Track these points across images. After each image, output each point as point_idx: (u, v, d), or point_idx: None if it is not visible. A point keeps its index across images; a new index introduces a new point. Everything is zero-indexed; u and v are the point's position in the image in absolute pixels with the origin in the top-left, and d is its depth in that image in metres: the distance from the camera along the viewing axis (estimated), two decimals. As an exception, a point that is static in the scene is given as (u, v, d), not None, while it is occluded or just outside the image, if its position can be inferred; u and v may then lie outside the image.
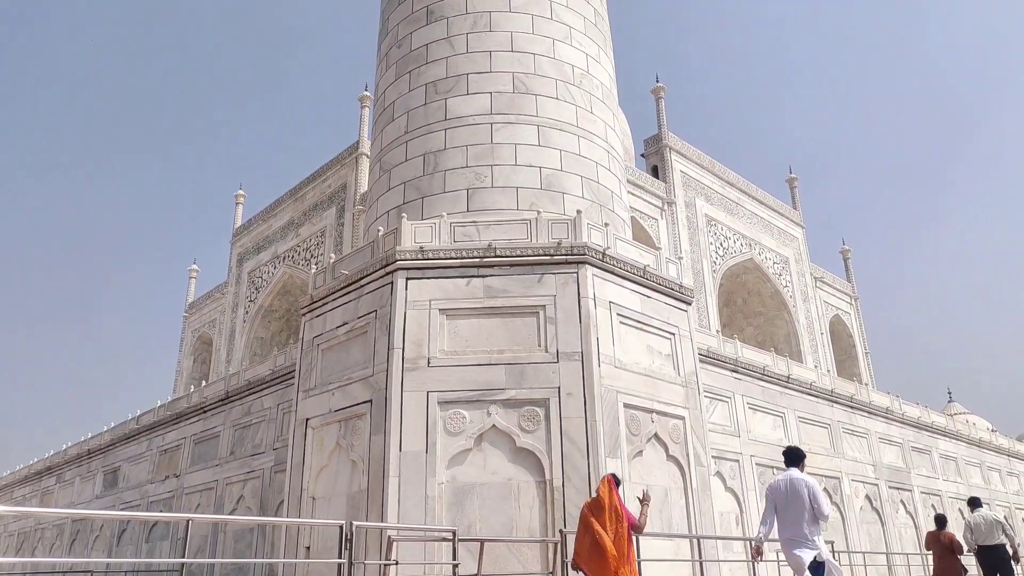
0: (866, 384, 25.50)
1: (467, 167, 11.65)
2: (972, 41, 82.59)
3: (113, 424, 22.57)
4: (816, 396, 16.97)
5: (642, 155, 27.29)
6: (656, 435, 10.28)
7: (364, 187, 22.66)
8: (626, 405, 9.89)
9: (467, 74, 12.27)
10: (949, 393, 41.65)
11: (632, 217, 21.29)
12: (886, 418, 19.37)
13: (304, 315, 12.12)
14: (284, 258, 26.48)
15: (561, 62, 12.60)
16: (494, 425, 9.38)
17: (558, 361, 9.64)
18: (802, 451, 6.66)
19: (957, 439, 22.83)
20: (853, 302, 33.39)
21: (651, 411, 10.28)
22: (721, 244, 26.27)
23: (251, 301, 27.89)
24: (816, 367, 23.05)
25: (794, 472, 6.36)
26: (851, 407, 18.09)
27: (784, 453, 6.66)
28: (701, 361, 12.37)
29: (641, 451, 9.97)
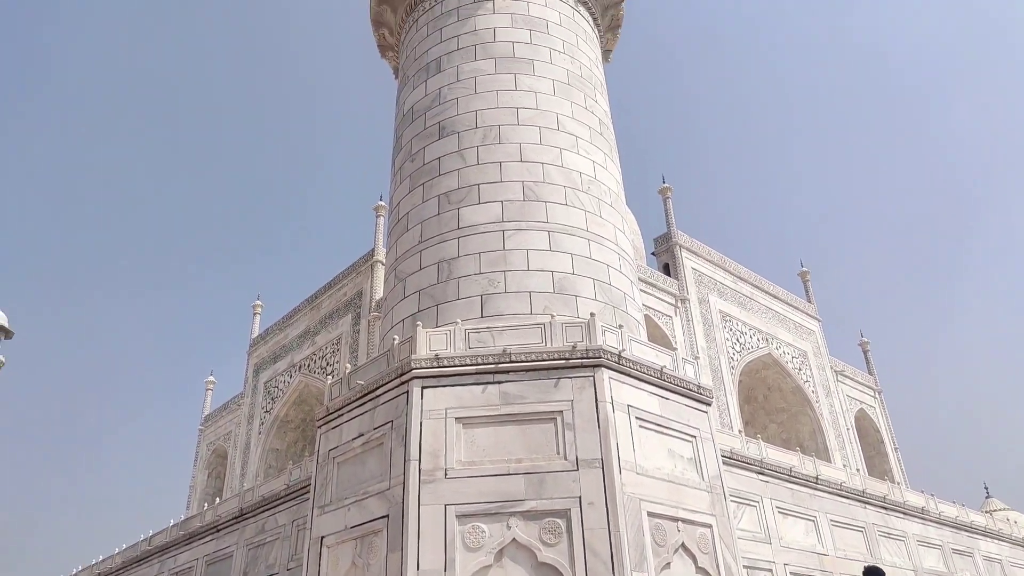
0: (899, 483, 24.55)
1: (480, 273, 11.79)
2: (978, 123, 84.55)
3: (125, 546, 21.97)
4: (847, 497, 16.30)
5: (653, 254, 27.64)
6: (683, 545, 9.83)
7: (379, 294, 22.95)
8: (650, 514, 9.52)
9: (479, 184, 12.64)
10: (986, 488, 39.87)
11: (646, 315, 21.33)
12: (922, 519, 18.49)
13: (320, 427, 11.98)
14: (300, 367, 26.51)
15: (569, 170, 12.99)
16: (514, 539, 9.02)
17: (578, 469, 9.38)
18: (882, 570, 6.42)
19: (1000, 539, 21.68)
20: (877, 395, 32.67)
21: (676, 519, 9.88)
22: (738, 340, 26.09)
23: (267, 412, 27.72)
24: (845, 466, 22.30)
25: None
26: (885, 508, 17.33)
27: (864, 574, 6.43)
28: (725, 463, 12.00)
29: (669, 563, 9.51)
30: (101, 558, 23.32)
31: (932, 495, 19.67)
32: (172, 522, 19.69)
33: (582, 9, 15.68)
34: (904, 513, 17.89)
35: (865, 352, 34.49)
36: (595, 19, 16.21)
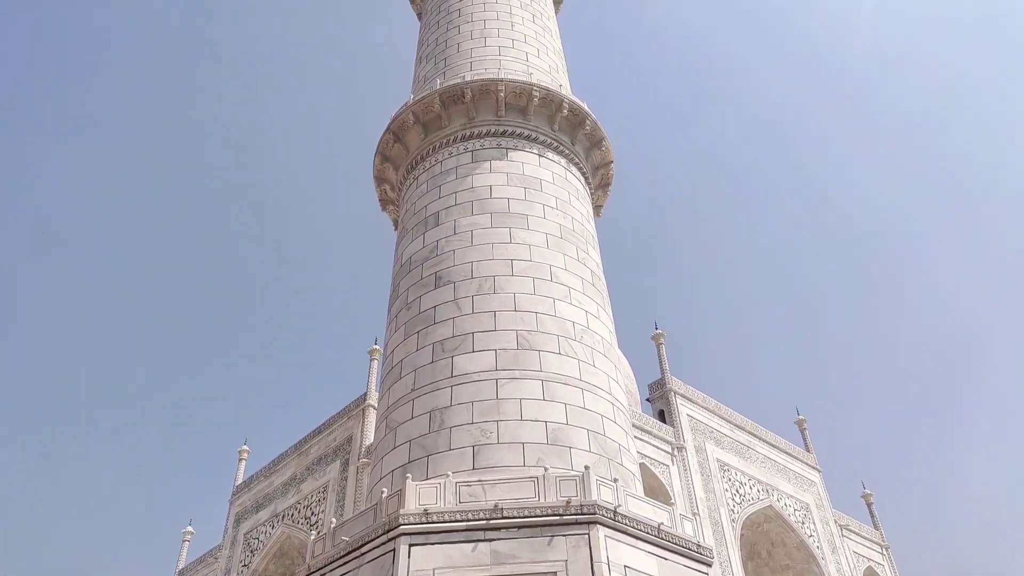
0: (917, 649, 22.93)
1: (473, 423, 11.64)
2: (973, 270, 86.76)
3: None
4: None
5: (647, 400, 27.40)
6: None
7: (370, 439, 22.46)
8: None
9: (473, 333, 12.76)
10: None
11: (642, 464, 20.83)
12: None
13: (299, 586, 11.32)
14: (283, 517, 25.40)
15: (563, 319, 13.18)
16: None
17: (573, 638, 8.79)
18: None
19: None
20: (885, 552, 31.25)
21: None
22: (737, 491, 25.30)
23: (244, 566, 26.22)
24: (858, 630, 20.92)
25: None
26: None
27: None
28: (731, 631, 11.27)
29: None
30: None
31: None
32: None
33: (574, 169, 16.60)
34: None
35: (869, 505, 33.36)
36: (586, 178, 17.12)
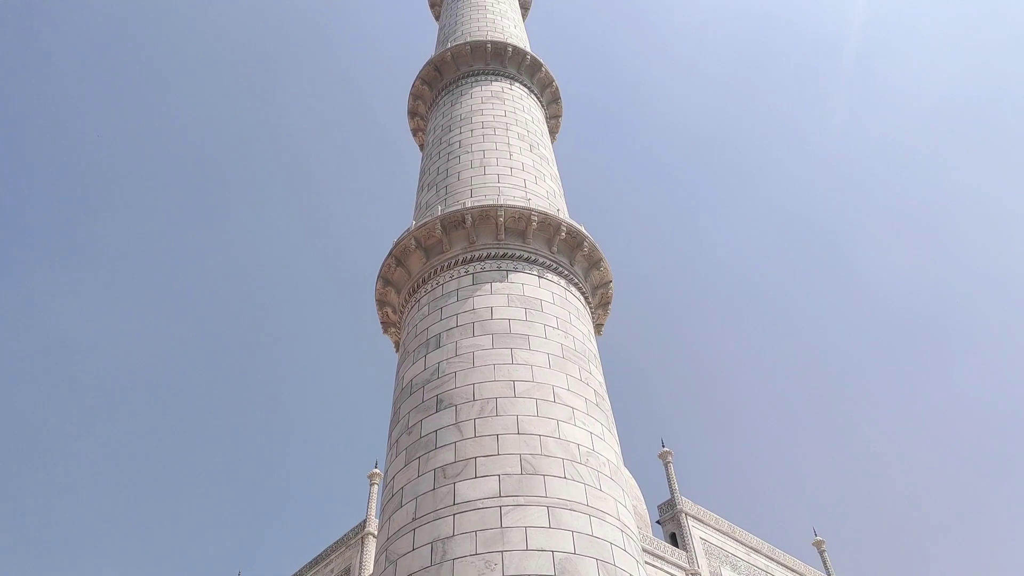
0: None
1: (476, 555, 11.16)
2: (992, 381, 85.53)
3: None
4: None
5: (658, 522, 26.40)
6: None
7: (369, 569, 21.50)
8: None
9: (475, 457, 12.49)
10: None
11: (656, 594, 19.80)
12: None
13: None
14: (276, 657, 23.87)
15: (567, 442, 12.93)
16: None
17: None
18: None
19: None
20: None
21: None
22: (758, 620, 23.91)
23: None
24: None
25: None
26: None
27: None
28: None
29: None
30: None
31: None
32: None
33: (573, 289, 16.85)
34: None
35: (899, 632, 31.39)
36: (586, 297, 17.35)
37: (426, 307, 16.09)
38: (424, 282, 16.80)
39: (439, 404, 13.69)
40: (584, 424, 13.56)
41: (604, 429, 14.07)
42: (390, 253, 17.79)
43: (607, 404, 15.12)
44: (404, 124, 27.06)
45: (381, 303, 18.42)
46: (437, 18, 34.59)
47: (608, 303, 18.63)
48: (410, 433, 13.71)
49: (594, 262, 17.90)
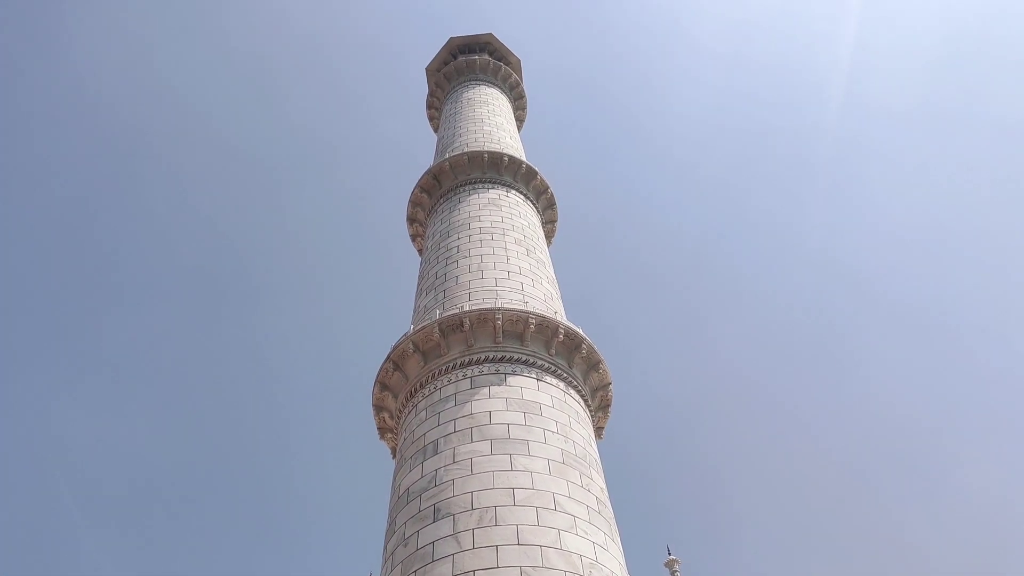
0: None
1: None
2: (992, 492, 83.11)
3: None
4: None
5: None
6: None
7: None
8: None
9: (474, 571, 11.98)
10: None
11: None
12: None
13: None
14: None
15: (569, 552, 12.45)
16: None
17: None
18: None
19: None
20: None
21: None
22: None
23: None
24: None
25: None
26: None
27: None
28: None
29: None
30: None
31: None
32: None
33: (573, 392, 16.72)
34: None
35: None
36: (585, 400, 17.19)
37: (423, 412, 15.91)
38: (422, 386, 16.68)
39: (436, 513, 13.27)
40: (586, 533, 13.10)
41: (607, 538, 13.58)
42: (388, 358, 17.75)
43: (610, 511, 14.66)
44: (403, 231, 27.68)
45: (378, 408, 18.21)
46: (436, 130, 36.07)
47: (608, 405, 18.44)
48: (406, 545, 13.21)
49: (593, 364, 17.85)
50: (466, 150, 26.45)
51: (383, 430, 18.43)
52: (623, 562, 13.91)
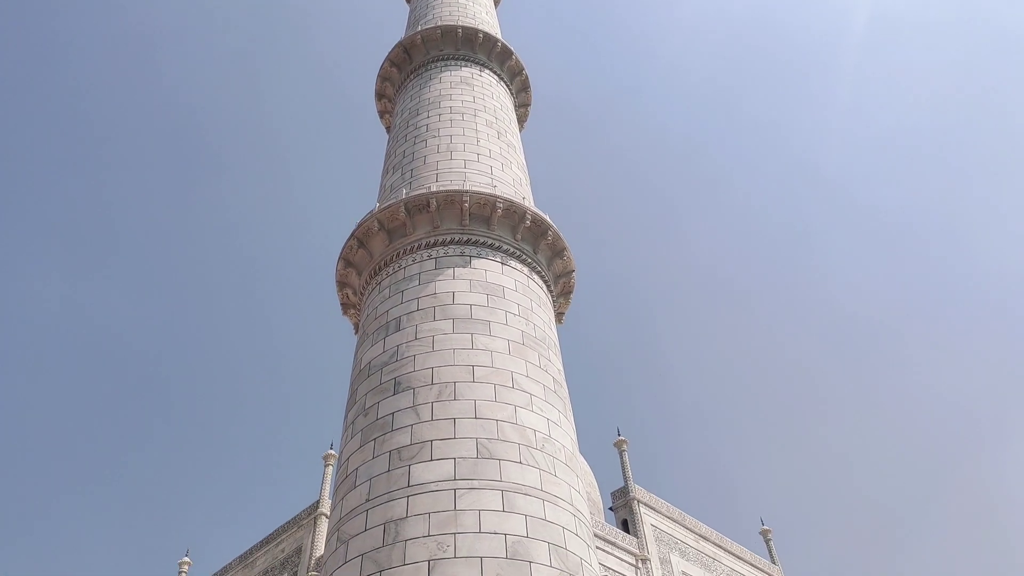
0: None
1: (429, 536, 11.25)
2: (944, 381, 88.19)
3: None
4: None
5: (611, 509, 26.83)
6: None
7: (321, 550, 21.42)
8: None
9: (431, 440, 12.55)
10: None
11: (606, 578, 20.17)
12: None
13: None
14: (224, 637, 23.71)
15: (524, 427, 13.07)
16: None
17: None
18: None
19: None
20: (857, 670, 30.19)
21: None
22: (703, 606, 24.50)
23: None
24: None
25: None
26: None
27: None
28: None
29: None
30: None
31: None
32: None
33: (536, 277, 16.96)
34: None
35: (837, 620, 32.48)
36: (548, 286, 17.48)
37: (387, 290, 16.04)
38: (386, 265, 16.73)
39: (397, 387, 13.70)
40: (541, 411, 13.71)
41: (561, 416, 14.24)
42: (352, 234, 17.65)
43: (565, 392, 15.29)
44: (372, 106, 26.80)
45: (341, 284, 18.29)
46: (408, 0, 34.23)
47: (570, 292, 18.79)
48: (366, 415, 13.70)
49: (557, 251, 18.02)
50: (440, 23, 25.26)
51: (346, 306, 18.59)
52: (575, 438, 14.67)
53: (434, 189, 17.24)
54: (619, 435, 28.54)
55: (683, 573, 24.93)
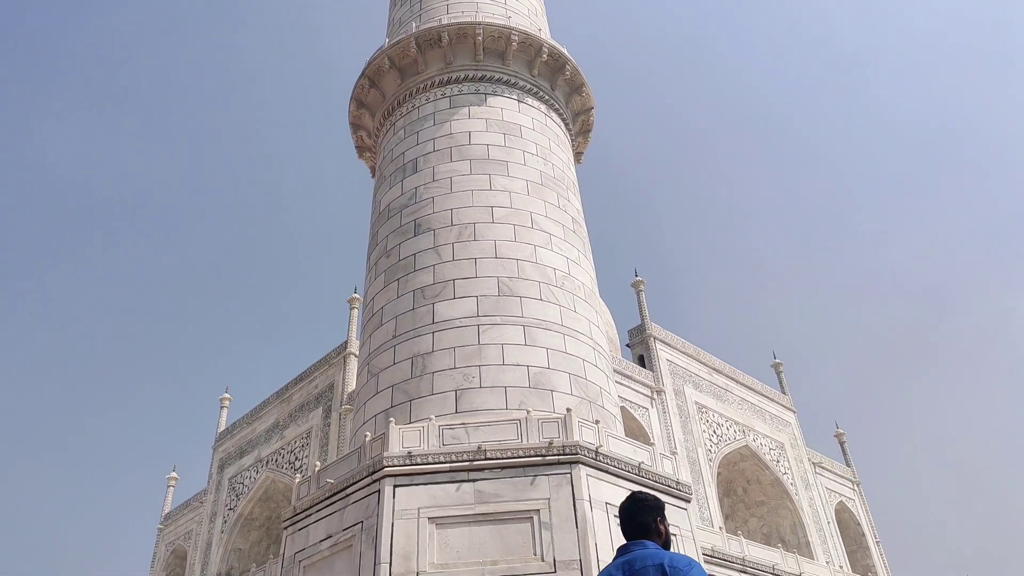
0: (882, 577, 24.04)
1: (455, 368, 11.77)
2: (957, 224, 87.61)
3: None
4: (832, 595, 15.93)
5: (627, 345, 27.80)
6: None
7: (351, 386, 22.65)
8: (630, 619, 9.20)
9: (454, 280, 12.80)
10: (971, 582, 39.19)
11: (623, 408, 21.26)
12: (910, 617, 18.05)
13: (286, 528, 11.56)
14: (267, 462, 25.74)
15: (544, 266, 13.24)
16: (490, 648, 8.65)
17: (556, 571, 9.12)
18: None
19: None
20: (856, 488, 32.43)
21: (658, 624, 9.54)
22: (715, 431, 25.98)
23: (230, 509, 26.65)
24: (828, 562, 21.85)
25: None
26: (870, 606, 16.92)
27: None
28: (707, 561, 11.75)
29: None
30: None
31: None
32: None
33: (554, 115, 16.42)
34: (889, 612, 17.46)
35: (841, 444, 34.46)
36: (566, 124, 16.96)
37: (402, 131, 15.69)
38: (399, 105, 16.24)
39: (417, 228, 13.77)
40: (561, 250, 13.81)
41: (580, 255, 14.36)
42: (363, 74, 17.00)
43: (584, 231, 15.31)
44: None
45: (355, 126, 17.89)
46: None
47: (589, 131, 18.28)
48: (388, 256, 13.90)
49: (576, 87, 17.32)
50: None
51: (361, 149, 18.29)
52: (593, 277, 14.88)
53: (445, 22, 16.32)
54: (636, 275, 28.98)
55: (697, 403, 26.22)
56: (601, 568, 9.23)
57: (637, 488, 10.65)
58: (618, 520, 3.50)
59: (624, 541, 3.36)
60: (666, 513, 3.63)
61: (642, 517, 3.39)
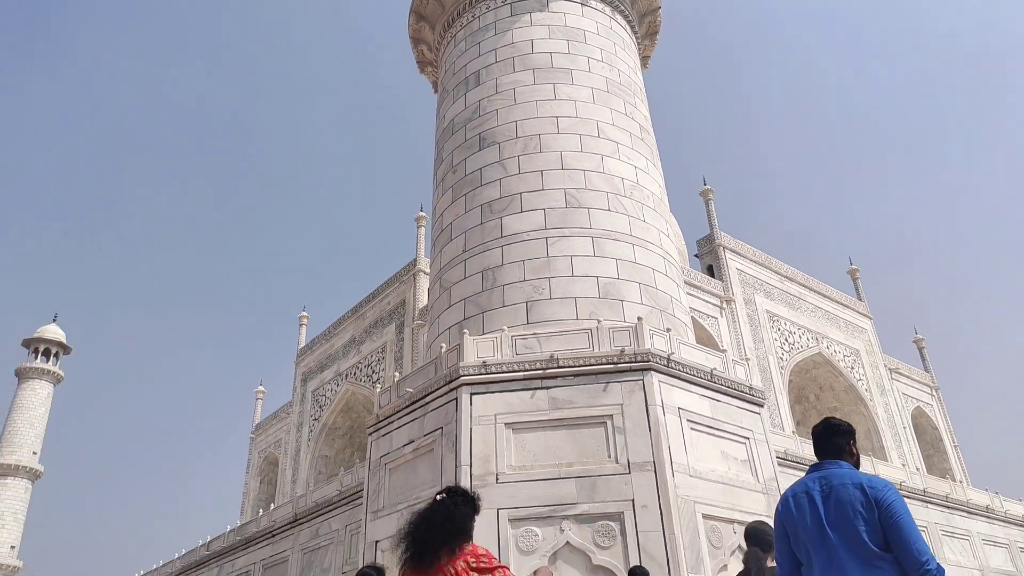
0: (960, 481, 23.83)
1: (525, 280, 11.92)
2: None
3: (184, 551, 22.65)
4: (908, 496, 15.95)
5: (696, 256, 27.39)
6: (740, 547, 9.77)
7: (423, 303, 23.26)
8: (705, 516, 9.51)
9: (520, 193, 12.78)
10: (1054, 487, 38.35)
11: (692, 317, 21.21)
12: (988, 517, 17.97)
13: (371, 434, 12.24)
14: (346, 375, 27.02)
15: (611, 176, 13.05)
16: (568, 542, 9.12)
17: (630, 472, 9.42)
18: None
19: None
20: (934, 393, 31.77)
21: (732, 521, 9.84)
22: (786, 340, 25.69)
23: (315, 420, 28.30)
24: (904, 465, 21.77)
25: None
26: (947, 507, 16.90)
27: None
28: (780, 464, 11.89)
29: (726, 565, 9.47)
30: (161, 563, 24.06)
31: (997, 493, 19.10)
32: (229, 528, 20.24)
33: (619, 17, 15.75)
34: (968, 512, 17.42)
35: (920, 349, 33.59)
36: (632, 27, 16.27)
37: (463, 42, 15.39)
38: (459, 15, 15.87)
39: (482, 142, 13.70)
40: (628, 158, 13.54)
41: (648, 163, 14.06)
42: (421, -16, 16.60)
43: (652, 139, 14.92)
44: None
45: (415, 40, 17.63)
46: None
47: (655, 33, 17.50)
48: (455, 171, 13.93)
49: (641, -15, 16.49)
50: None
51: (423, 64, 18.08)
52: (663, 184, 14.59)
53: (503, -78, 15.61)
54: (705, 184, 28.19)
55: (768, 312, 25.86)
56: (675, 467, 9.49)
57: (709, 392, 10.77)
58: (811, 441, 3.76)
59: (816, 460, 3.65)
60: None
61: (837, 439, 3.63)
